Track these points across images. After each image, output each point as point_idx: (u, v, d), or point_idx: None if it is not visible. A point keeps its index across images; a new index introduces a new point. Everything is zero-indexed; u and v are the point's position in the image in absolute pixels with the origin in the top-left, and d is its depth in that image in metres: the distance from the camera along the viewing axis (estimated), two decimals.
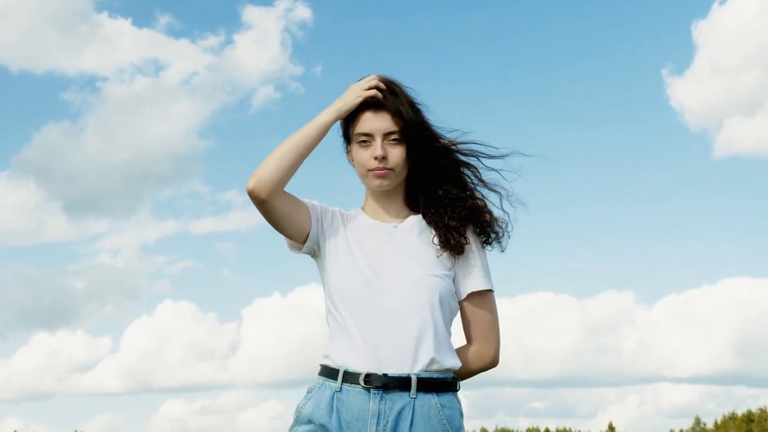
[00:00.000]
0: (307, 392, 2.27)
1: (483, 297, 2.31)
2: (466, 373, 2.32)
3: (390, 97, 2.28)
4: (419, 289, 2.21)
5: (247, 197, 2.22)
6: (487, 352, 2.32)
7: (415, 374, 2.17)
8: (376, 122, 2.27)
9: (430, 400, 2.18)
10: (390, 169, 2.27)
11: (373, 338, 2.19)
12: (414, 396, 2.16)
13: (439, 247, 2.27)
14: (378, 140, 2.26)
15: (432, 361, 2.19)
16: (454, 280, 2.29)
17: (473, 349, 2.32)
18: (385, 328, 2.18)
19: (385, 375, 2.16)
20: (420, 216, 2.35)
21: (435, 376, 2.20)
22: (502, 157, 2.35)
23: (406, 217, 2.36)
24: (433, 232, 2.30)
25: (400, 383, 2.16)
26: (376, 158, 2.26)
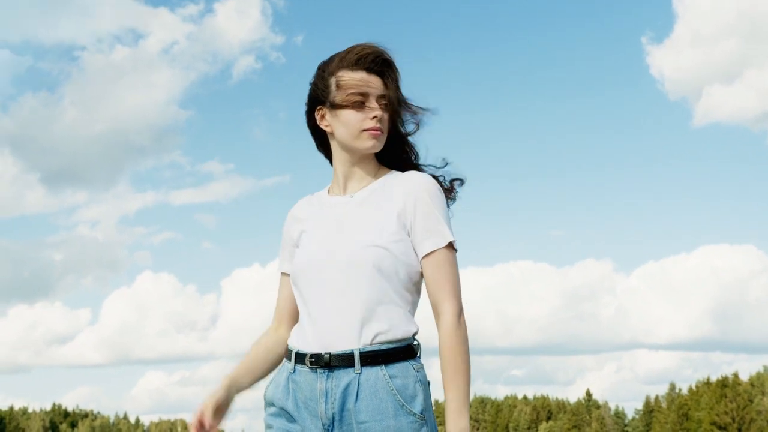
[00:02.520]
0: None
1: (431, 258, 2.19)
2: (448, 349, 2.13)
3: (382, 63, 2.23)
4: (354, 262, 2.15)
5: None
6: (443, 313, 2.16)
7: (359, 349, 2.13)
8: (371, 83, 2.22)
9: (378, 372, 2.13)
10: (383, 132, 2.23)
11: (319, 317, 2.17)
12: (359, 371, 2.12)
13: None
14: (373, 101, 2.21)
15: (377, 334, 2.13)
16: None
17: (437, 320, 2.19)
18: (327, 307, 2.16)
19: (328, 354, 2.13)
20: (379, 180, 2.28)
21: (383, 348, 2.14)
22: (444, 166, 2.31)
23: (368, 185, 2.29)
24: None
25: (344, 360, 2.13)
26: (374, 117, 2.20)
